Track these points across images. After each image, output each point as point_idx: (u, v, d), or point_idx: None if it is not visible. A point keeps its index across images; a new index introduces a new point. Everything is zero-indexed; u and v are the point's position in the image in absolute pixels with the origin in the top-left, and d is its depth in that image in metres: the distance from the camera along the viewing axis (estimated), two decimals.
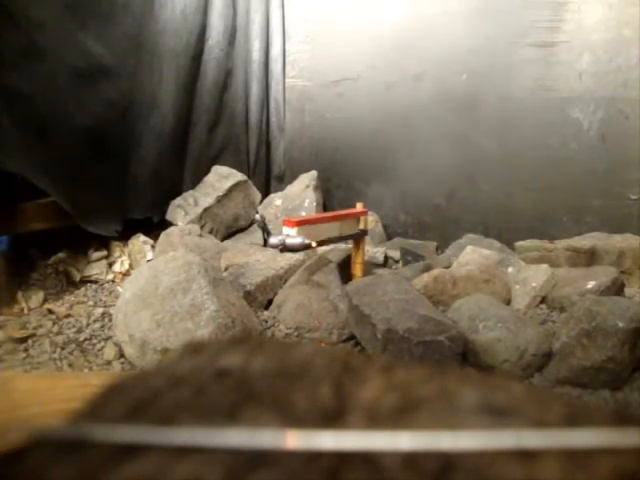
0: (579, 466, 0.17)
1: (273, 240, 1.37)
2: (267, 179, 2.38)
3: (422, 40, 2.18)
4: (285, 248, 1.36)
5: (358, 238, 1.64)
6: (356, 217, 1.65)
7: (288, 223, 1.39)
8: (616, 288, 1.53)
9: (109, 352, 1.23)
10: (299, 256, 1.60)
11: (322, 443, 0.18)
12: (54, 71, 1.56)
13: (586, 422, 0.20)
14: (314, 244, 1.39)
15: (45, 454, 0.19)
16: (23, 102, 1.47)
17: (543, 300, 1.57)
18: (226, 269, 1.55)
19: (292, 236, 1.36)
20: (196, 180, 2.09)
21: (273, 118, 2.33)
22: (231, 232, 2.06)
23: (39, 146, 1.51)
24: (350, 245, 1.71)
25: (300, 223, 1.40)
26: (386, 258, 1.93)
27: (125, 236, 1.81)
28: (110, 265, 1.72)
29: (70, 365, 1.18)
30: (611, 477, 0.17)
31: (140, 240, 1.79)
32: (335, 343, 1.35)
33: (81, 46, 1.65)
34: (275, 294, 1.51)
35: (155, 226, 1.93)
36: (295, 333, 1.38)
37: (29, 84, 1.48)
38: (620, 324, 1.12)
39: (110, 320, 1.34)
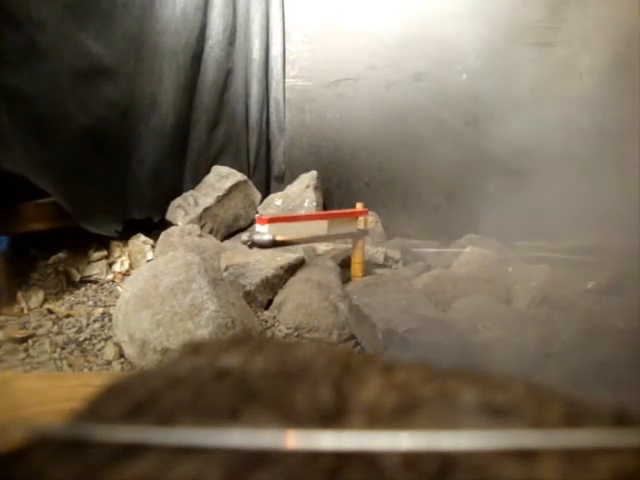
0: (579, 466, 0.17)
1: (243, 237, 1.46)
2: (267, 179, 2.38)
3: (422, 40, 2.18)
4: (253, 244, 1.42)
5: (358, 238, 1.64)
6: (351, 216, 1.65)
7: (260, 220, 1.45)
8: (616, 288, 1.53)
9: (109, 352, 1.23)
10: (299, 256, 1.60)
11: (322, 443, 0.18)
12: (54, 71, 1.56)
13: (586, 422, 0.20)
14: (280, 239, 1.44)
15: (45, 454, 0.19)
16: (23, 102, 1.47)
17: (543, 300, 1.57)
18: (226, 269, 1.55)
19: (260, 233, 1.42)
20: (196, 180, 2.10)
21: (273, 118, 2.33)
22: (231, 232, 2.06)
23: (39, 146, 1.51)
24: (350, 245, 1.71)
25: (271, 220, 1.45)
26: (386, 258, 1.93)
27: (125, 236, 1.81)
28: (110, 265, 1.72)
29: (70, 365, 1.18)
30: (611, 477, 0.17)
31: (140, 240, 1.79)
32: (335, 343, 1.35)
33: (81, 46, 1.65)
34: (275, 294, 1.51)
35: (155, 226, 1.93)
36: (295, 333, 1.38)
37: (29, 84, 1.48)
38: (620, 324, 1.12)
39: (110, 320, 1.34)
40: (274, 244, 1.43)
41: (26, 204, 1.54)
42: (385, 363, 0.24)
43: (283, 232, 1.44)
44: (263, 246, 1.43)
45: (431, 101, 2.20)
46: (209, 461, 0.18)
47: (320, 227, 1.57)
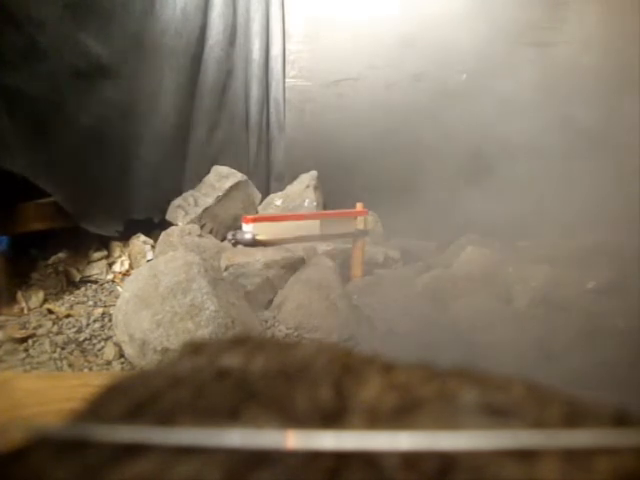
0: (579, 466, 0.17)
1: (228, 235, 1.56)
2: (267, 179, 2.37)
3: (422, 40, 2.18)
4: (236, 242, 1.50)
5: (357, 238, 1.64)
6: (341, 216, 1.66)
7: (245, 220, 1.52)
8: (616, 288, 1.53)
9: (109, 352, 1.23)
10: (299, 255, 1.60)
11: (322, 443, 0.18)
12: (55, 71, 1.56)
13: (586, 422, 0.20)
14: (260, 238, 1.49)
15: (45, 454, 0.19)
16: (24, 102, 1.47)
17: (543, 300, 1.57)
18: (226, 269, 1.55)
19: (243, 231, 1.50)
20: (196, 180, 2.09)
21: (273, 118, 2.33)
22: None
23: (39, 146, 1.51)
24: (350, 245, 1.71)
25: (256, 220, 1.51)
26: (386, 258, 1.92)
27: (125, 236, 1.81)
28: (110, 265, 1.72)
29: (70, 365, 1.18)
30: (611, 477, 0.17)
31: (140, 240, 1.79)
32: (335, 343, 1.35)
33: (81, 46, 1.65)
34: (275, 294, 1.51)
35: (155, 226, 1.93)
36: (295, 333, 1.38)
37: (30, 84, 1.48)
38: (620, 324, 1.12)
39: (110, 320, 1.34)
40: (255, 243, 1.47)
41: (26, 204, 1.54)
42: (385, 363, 0.24)
43: (270, 231, 1.46)
44: (246, 244, 1.49)
45: (431, 101, 2.20)
46: (209, 461, 0.18)
47: (312, 227, 1.58)
